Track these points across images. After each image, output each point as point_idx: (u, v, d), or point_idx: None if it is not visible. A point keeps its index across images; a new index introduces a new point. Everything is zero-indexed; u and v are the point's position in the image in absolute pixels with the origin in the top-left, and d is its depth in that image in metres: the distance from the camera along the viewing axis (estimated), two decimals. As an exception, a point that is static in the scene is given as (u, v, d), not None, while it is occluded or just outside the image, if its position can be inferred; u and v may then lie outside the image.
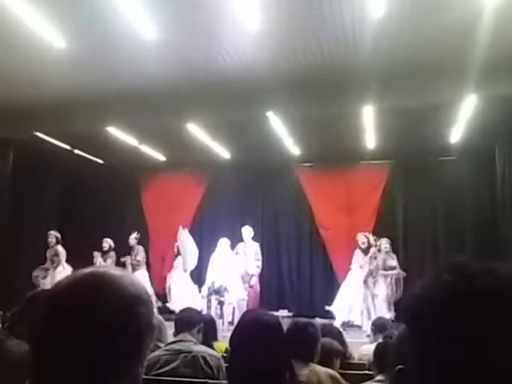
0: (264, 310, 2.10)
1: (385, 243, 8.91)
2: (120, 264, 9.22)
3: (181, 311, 3.60)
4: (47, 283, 8.52)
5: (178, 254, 10.06)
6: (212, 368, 2.86)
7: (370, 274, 8.66)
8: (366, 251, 8.94)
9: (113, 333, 0.80)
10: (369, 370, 3.18)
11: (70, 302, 0.82)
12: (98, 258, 9.46)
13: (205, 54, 6.47)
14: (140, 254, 9.86)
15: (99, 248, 9.80)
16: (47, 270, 8.97)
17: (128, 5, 5.26)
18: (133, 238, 9.95)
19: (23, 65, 6.64)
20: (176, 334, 3.25)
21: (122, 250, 10.02)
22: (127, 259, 9.74)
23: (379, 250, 8.86)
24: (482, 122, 8.01)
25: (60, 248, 9.14)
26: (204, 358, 2.90)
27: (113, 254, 9.65)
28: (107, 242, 9.68)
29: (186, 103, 7.85)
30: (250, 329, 1.79)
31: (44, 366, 0.80)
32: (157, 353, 2.97)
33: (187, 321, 3.26)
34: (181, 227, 10.16)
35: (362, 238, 8.98)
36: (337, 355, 3.30)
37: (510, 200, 8.72)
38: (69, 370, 0.78)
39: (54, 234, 9.20)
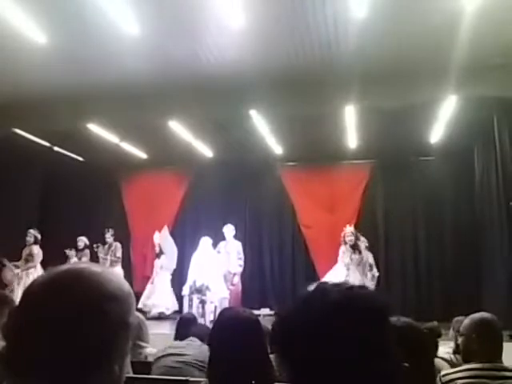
0: (242, 307, 2.11)
1: (364, 240, 8.85)
2: (96, 261, 9.10)
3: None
4: (15, 282, 8.42)
5: (160, 253, 9.98)
6: None
7: (348, 269, 8.59)
8: (351, 247, 8.79)
9: (82, 329, 0.79)
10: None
11: (39, 298, 0.82)
12: (73, 257, 9.32)
13: (188, 51, 6.44)
14: (119, 250, 9.77)
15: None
16: (17, 267, 8.77)
17: (110, 0, 5.21)
18: (109, 235, 9.85)
19: (2, 59, 6.51)
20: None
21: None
22: (104, 255, 9.61)
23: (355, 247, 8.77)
24: (461, 122, 8.14)
25: (35, 249, 8.96)
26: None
27: (87, 252, 9.51)
28: (82, 241, 9.54)
29: (169, 101, 7.80)
30: (228, 325, 1.80)
31: (17, 364, 0.79)
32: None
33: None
34: (166, 227, 10.18)
35: (349, 236, 8.75)
36: None
37: (489, 200, 8.88)
38: (40, 367, 0.78)
39: (32, 233, 9.01)
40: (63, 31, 5.92)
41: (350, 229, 8.90)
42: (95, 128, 8.60)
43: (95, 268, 0.87)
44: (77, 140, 9.43)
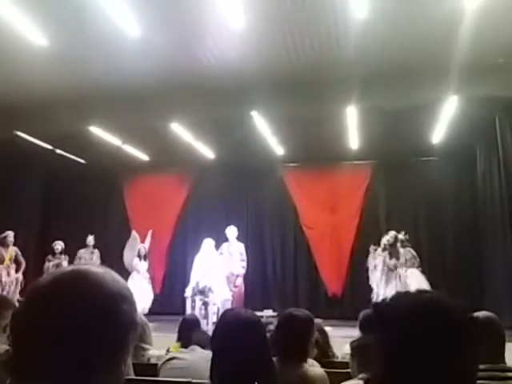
0: (243, 309, 2.11)
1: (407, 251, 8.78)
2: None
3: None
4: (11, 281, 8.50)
5: (146, 257, 9.92)
6: None
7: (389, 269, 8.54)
8: (387, 248, 8.65)
9: (95, 329, 0.79)
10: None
11: (49, 299, 0.81)
12: (51, 261, 9.25)
13: (189, 53, 6.45)
14: (98, 255, 9.73)
15: (83, 246, 9.68)
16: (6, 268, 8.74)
17: (111, 3, 5.22)
18: (91, 239, 9.79)
19: (3, 63, 6.54)
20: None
21: (105, 250, 9.93)
22: (83, 260, 9.52)
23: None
24: (463, 122, 8.13)
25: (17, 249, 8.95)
26: None
27: (66, 256, 9.43)
28: (60, 245, 9.45)
29: (170, 103, 7.81)
30: (230, 326, 1.80)
31: (23, 363, 0.79)
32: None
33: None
34: (150, 232, 10.16)
35: (389, 235, 8.64)
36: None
37: (491, 199, 8.87)
38: (47, 366, 0.78)
39: (11, 234, 8.86)
40: (65, 34, 5.93)
41: (393, 233, 8.78)
42: (97, 130, 8.61)
43: (97, 269, 0.88)
44: (79, 142, 9.45)
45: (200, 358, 3.09)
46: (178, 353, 3.29)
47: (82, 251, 9.65)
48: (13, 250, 8.84)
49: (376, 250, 8.89)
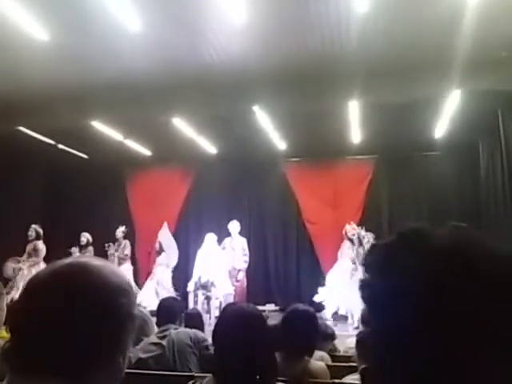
0: (245, 303, 2.11)
1: (370, 236, 8.89)
2: (104, 257, 9.10)
3: (161, 301, 3.62)
4: (18, 276, 8.50)
5: (161, 250, 9.98)
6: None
7: (354, 263, 8.68)
8: (354, 242, 8.88)
9: (92, 321, 0.80)
10: (355, 362, 3.22)
11: (46, 292, 0.82)
12: (75, 253, 9.37)
13: (190, 47, 6.44)
14: (127, 248, 9.80)
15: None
16: (18, 262, 8.82)
17: (112, -3, 5.21)
18: (120, 231, 9.87)
19: (5, 58, 6.53)
20: (158, 325, 3.32)
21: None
22: (113, 252, 9.65)
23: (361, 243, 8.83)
24: (465, 116, 8.11)
25: (40, 244, 9.01)
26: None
27: (91, 248, 9.56)
28: (85, 237, 9.59)
29: (172, 97, 7.80)
30: (232, 320, 1.80)
31: (21, 357, 0.80)
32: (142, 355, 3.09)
33: (168, 312, 3.32)
34: (165, 223, 10.21)
35: (351, 231, 8.92)
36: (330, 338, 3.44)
37: (494, 194, 8.85)
38: (46, 359, 0.78)
39: (34, 228, 9.05)
40: (66, 29, 5.92)
41: (351, 226, 9.00)
42: (99, 125, 8.61)
43: (96, 262, 0.88)
44: (81, 137, 9.45)
45: (171, 345, 3.09)
46: (147, 348, 3.22)
47: (111, 246, 9.76)
48: (31, 244, 8.96)
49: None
